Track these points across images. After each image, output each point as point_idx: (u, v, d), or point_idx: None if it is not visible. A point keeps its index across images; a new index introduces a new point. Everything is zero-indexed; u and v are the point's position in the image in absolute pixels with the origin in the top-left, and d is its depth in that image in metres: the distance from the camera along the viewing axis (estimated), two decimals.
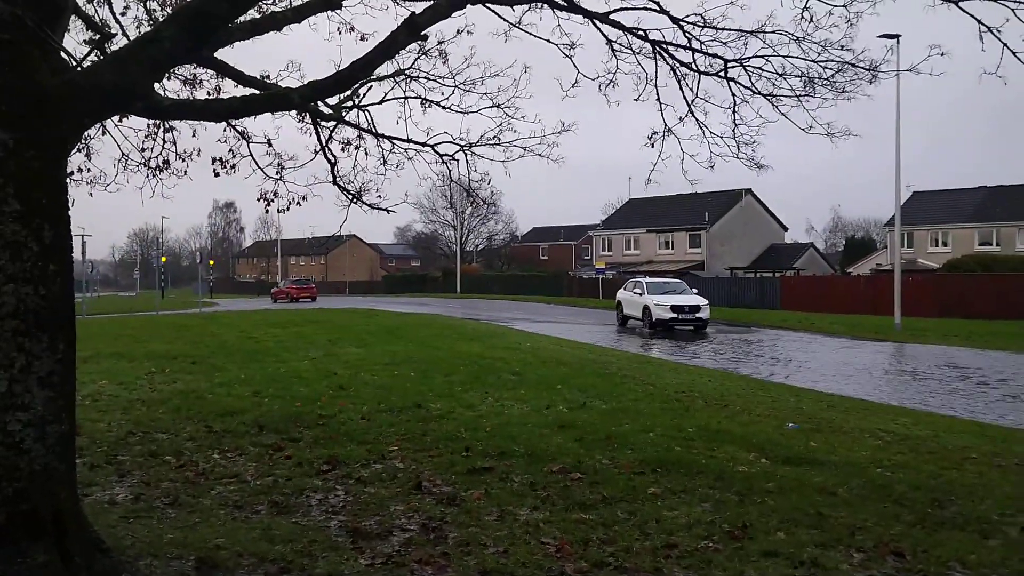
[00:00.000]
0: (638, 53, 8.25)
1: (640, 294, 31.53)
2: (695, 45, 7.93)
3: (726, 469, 7.27)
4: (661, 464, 7.35)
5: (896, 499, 6.44)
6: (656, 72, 8.28)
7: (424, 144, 9.71)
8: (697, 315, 29.50)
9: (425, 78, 9.79)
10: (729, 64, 7.99)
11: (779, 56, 7.82)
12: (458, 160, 9.98)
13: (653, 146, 8.60)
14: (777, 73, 7.92)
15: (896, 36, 23.04)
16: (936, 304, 38.27)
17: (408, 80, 9.79)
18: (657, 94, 8.38)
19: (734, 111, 8.29)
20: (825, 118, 8.12)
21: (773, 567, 4.91)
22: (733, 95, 8.20)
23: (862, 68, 7.69)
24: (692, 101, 8.29)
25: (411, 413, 9.82)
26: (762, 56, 7.88)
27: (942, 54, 6.86)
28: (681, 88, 8.23)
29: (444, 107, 9.76)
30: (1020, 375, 17.66)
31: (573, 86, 8.80)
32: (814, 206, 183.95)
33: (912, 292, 36.42)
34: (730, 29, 7.78)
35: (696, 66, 8.12)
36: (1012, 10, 5.52)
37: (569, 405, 10.62)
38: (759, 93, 8.10)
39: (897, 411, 12.20)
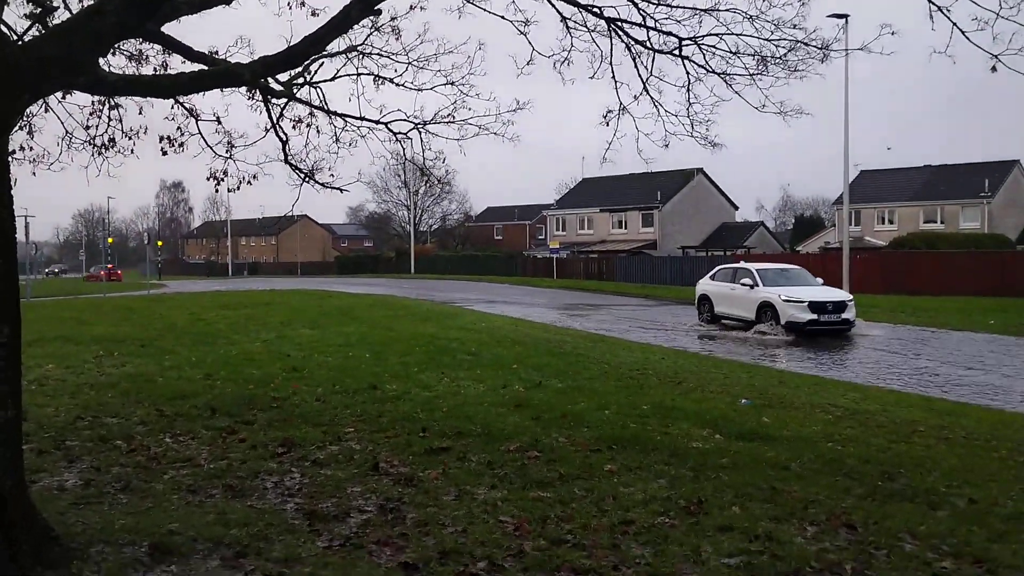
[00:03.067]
0: (593, 31, 8.24)
1: (751, 286, 23.00)
2: (649, 23, 7.94)
3: (681, 445, 7.35)
4: (617, 441, 7.40)
5: (847, 472, 6.57)
6: (611, 50, 8.28)
7: (377, 122, 9.60)
8: (843, 315, 21.41)
9: (378, 55, 9.66)
10: (683, 42, 8.01)
11: (733, 34, 7.86)
12: (412, 138, 9.90)
13: (608, 125, 8.61)
14: (731, 51, 7.97)
15: (845, 16, 23.22)
16: (882, 281, 39.04)
17: (361, 57, 9.65)
18: (612, 72, 8.39)
19: (688, 89, 8.33)
20: (778, 96, 8.19)
21: (728, 541, 4.97)
22: (687, 73, 8.23)
23: (814, 47, 7.77)
24: (647, 79, 8.31)
25: (366, 394, 9.75)
26: (716, 34, 7.92)
27: (893, 33, 6.95)
28: (636, 66, 8.24)
29: (398, 84, 9.65)
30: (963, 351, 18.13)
31: (528, 64, 8.76)
32: (764, 185, 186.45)
33: (859, 269, 37.09)
34: (684, 7, 7.80)
35: (651, 44, 8.12)
36: None
37: (525, 384, 10.64)
38: (713, 71, 8.13)
39: (846, 386, 12.44)
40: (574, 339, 17.66)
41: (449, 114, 9.55)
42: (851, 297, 22.37)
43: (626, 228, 71.78)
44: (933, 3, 5.89)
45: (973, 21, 5.79)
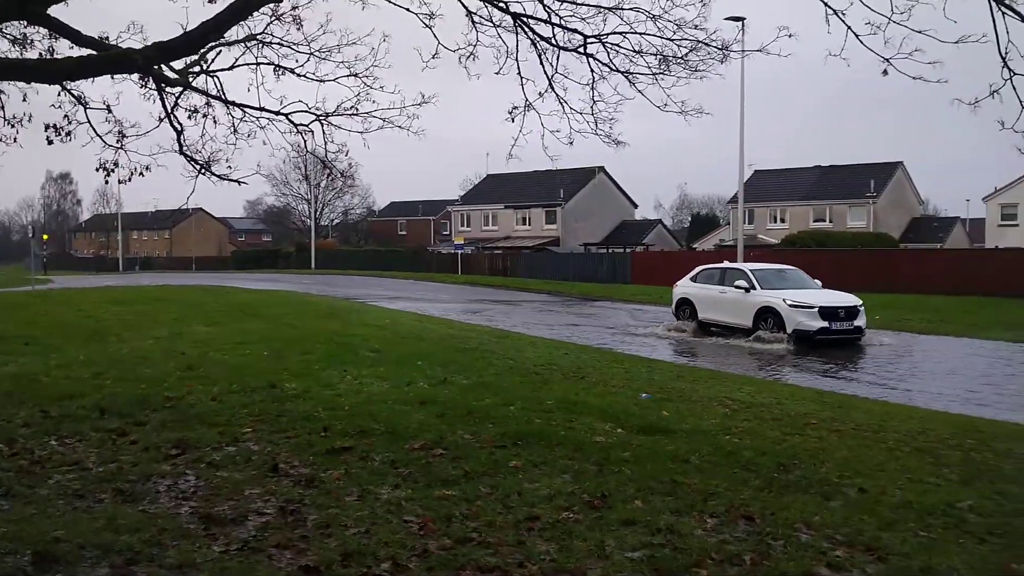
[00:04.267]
0: (499, 26, 8.23)
1: (746, 288, 20.60)
2: (555, 20, 7.97)
3: (584, 440, 7.40)
4: (522, 437, 7.40)
5: (744, 465, 6.73)
6: (517, 46, 8.29)
7: (277, 113, 9.37)
8: (855, 322, 19.36)
9: (279, 44, 9.43)
10: (588, 40, 8.07)
11: (636, 33, 7.97)
12: (314, 130, 9.70)
13: (513, 121, 8.62)
14: (634, 50, 8.08)
15: (742, 19, 23.97)
16: None
17: (261, 46, 9.41)
18: (518, 68, 8.40)
19: (593, 87, 8.41)
20: (679, 96, 8.34)
21: (632, 535, 5.02)
22: (592, 71, 8.31)
23: (714, 47, 7.94)
24: (552, 76, 8.35)
25: (265, 393, 9.49)
26: (620, 33, 8.01)
27: (790, 36, 7.16)
28: (541, 63, 8.26)
29: (299, 75, 9.44)
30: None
31: (433, 57, 8.68)
32: (662, 184, 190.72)
33: None
34: (589, 4, 7.86)
35: (556, 41, 8.16)
36: None
37: (430, 381, 10.55)
38: (617, 70, 8.23)
39: (742, 380, 12.80)
40: (479, 335, 17.64)
41: (352, 106, 9.40)
42: (861, 302, 19.90)
43: (530, 225, 72.29)
44: (829, 6, 6.08)
45: (867, 25, 6.01)
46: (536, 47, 8.25)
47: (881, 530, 5.18)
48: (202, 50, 8.26)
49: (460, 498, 5.67)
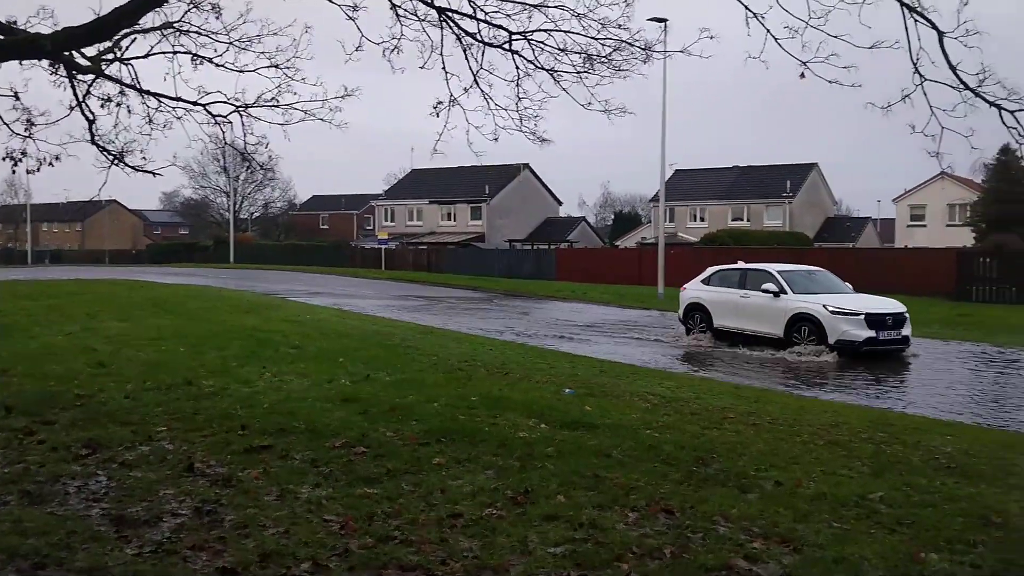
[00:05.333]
0: (423, 20, 8.16)
1: (775, 292, 18.04)
2: (480, 15, 7.94)
3: (508, 436, 7.41)
4: (446, 433, 7.37)
5: (664, 458, 6.82)
6: (442, 40, 8.24)
7: (195, 103, 9.12)
8: (902, 331, 17.08)
9: (196, 33, 9.17)
10: (513, 36, 8.07)
11: (561, 31, 8.00)
12: (233, 122, 9.47)
13: (438, 116, 8.57)
14: (559, 48, 8.11)
15: (664, 20, 24.30)
16: (694, 274, 40.79)
17: (177, 34, 9.13)
18: (443, 63, 8.35)
19: (518, 84, 8.41)
20: (603, 95, 8.41)
21: (554, 530, 5.04)
22: (517, 68, 8.31)
23: (638, 47, 8.02)
24: (477, 72, 8.33)
25: (181, 391, 9.25)
26: (545, 30, 8.03)
27: (711, 37, 7.28)
28: (467, 58, 8.24)
29: (218, 65, 9.19)
30: None
31: (357, 50, 8.55)
32: (586, 182, 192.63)
33: (673, 263, 38.87)
34: (515, 1, 7.84)
35: (481, 36, 8.14)
36: None
37: (352, 378, 10.42)
38: (542, 67, 8.25)
39: (662, 375, 13.01)
40: (403, 331, 17.52)
41: (273, 98, 9.21)
42: (905, 308, 17.55)
43: (455, 220, 72.12)
44: (749, 9, 6.21)
45: (785, 29, 6.15)
46: (461, 42, 8.22)
47: (796, 522, 5.31)
48: (116, 37, 8.00)
49: (382, 496, 5.61)
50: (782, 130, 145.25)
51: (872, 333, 16.61)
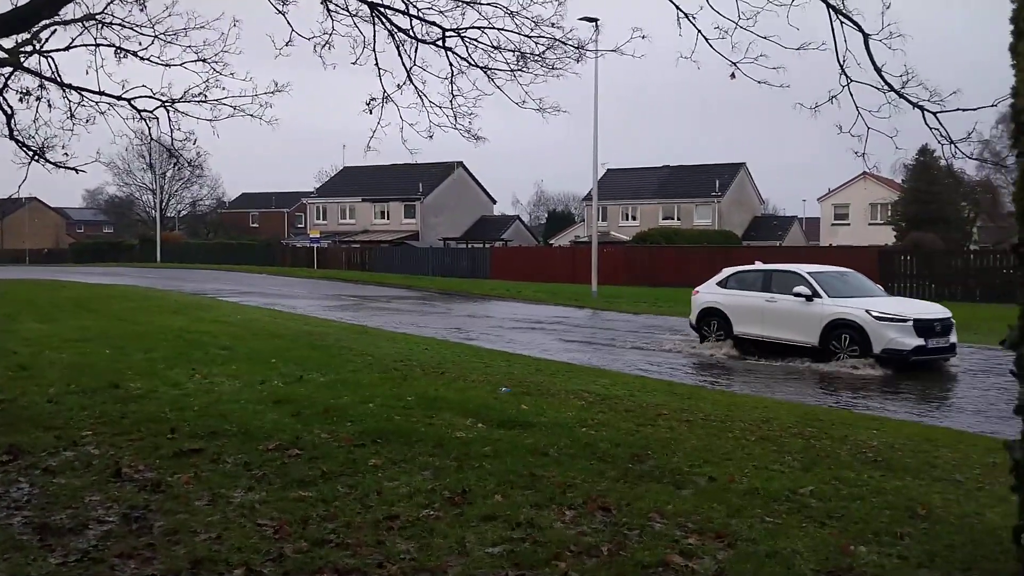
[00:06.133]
0: (355, 15, 8.08)
1: (808, 296, 16.15)
2: (413, 11, 7.88)
3: (444, 436, 7.37)
4: (381, 434, 7.30)
5: (601, 456, 6.86)
6: (374, 36, 8.16)
7: (119, 97, 8.88)
8: (950, 338, 15.41)
9: (120, 25, 8.92)
10: (447, 33, 8.03)
11: (495, 28, 8.00)
12: (159, 117, 9.23)
13: (371, 112, 8.48)
14: (493, 46, 8.10)
15: (595, 20, 24.46)
16: (626, 272, 41.64)
17: (100, 26, 8.85)
18: (375, 59, 8.27)
19: (452, 82, 8.38)
20: (537, 93, 8.42)
21: (492, 530, 5.02)
22: (451, 65, 8.28)
23: (571, 46, 8.05)
24: (411, 69, 8.27)
25: (107, 394, 8.98)
26: (478, 27, 8.02)
27: (643, 37, 7.34)
28: (400, 55, 8.17)
29: (143, 58, 8.94)
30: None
31: (287, 45, 8.43)
32: (520, 180, 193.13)
33: (606, 262, 39.26)
34: None
35: (414, 33, 8.09)
36: None
37: (285, 379, 10.26)
38: (475, 65, 8.23)
39: (596, 372, 13.09)
40: (336, 331, 17.32)
41: (201, 93, 9.02)
42: (951, 312, 15.86)
43: (388, 219, 71.60)
44: (680, 9, 6.28)
45: (716, 30, 6.24)
46: (394, 38, 8.15)
47: (730, 517, 5.39)
48: (35, 28, 7.72)
49: (317, 499, 5.53)
50: (712, 130, 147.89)
51: (921, 341, 14.90)
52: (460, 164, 71.16)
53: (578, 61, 8.38)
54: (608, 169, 68.53)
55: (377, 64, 8.31)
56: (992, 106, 5.29)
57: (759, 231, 67.17)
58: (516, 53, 8.23)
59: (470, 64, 8.28)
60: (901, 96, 5.62)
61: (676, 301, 30.03)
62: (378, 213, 72.45)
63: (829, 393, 12.94)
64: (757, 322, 17.21)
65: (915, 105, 5.63)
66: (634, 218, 67.53)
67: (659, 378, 13.33)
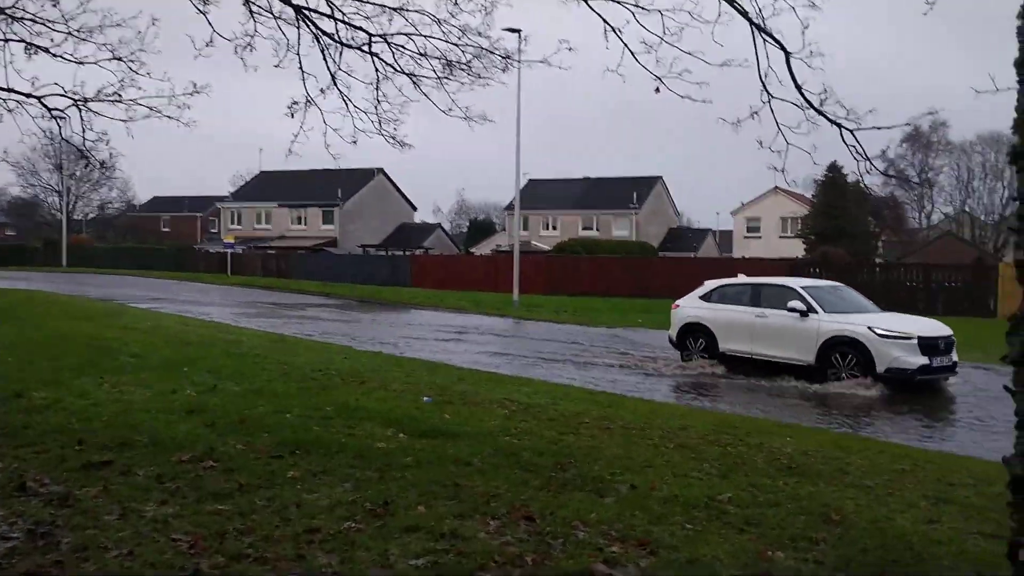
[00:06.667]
0: (279, 17, 7.93)
1: (802, 312, 15.40)
2: (339, 15, 7.78)
3: (365, 446, 7.25)
4: (300, 445, 7.14)
5: (524, 465, 6.85)
6: (299, 39, 8.02)
7: (28, 95, 8.53)
8: (952, 356, 14.99)
9: (31, 20, 8.55)
10: (373, 39, 7.96)
11: (421, 35, 7.96)
12: (70, 116, 8.89)
13: (293, 116, 8.33)
14: (419, 53, 8.07)
15: (518, 31, 24.52)
16: (547, 282, 41.97)
17: (10, 21, 8.48)
18: (299, 63, 8.13)
19: (377, 87, 8.29)
20: (464, 102, 8.42)
21: (415, 542, 4.95)
22: (377, 71, 8.20)
23: (497, 55, 8.07)
24: (335, 73, 8.17)
25: (10, 404, 8.58)
26: (405, 34, 7.98)
27: (569, 49, 7.41)
28: (325, 58, 8.05)
29: (55, 55, 8.61)
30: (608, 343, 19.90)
31: (208, 45, 8.21)
32: (441, 188, 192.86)
33: (527, 271, 39.47)
34: (373, 3, 7.75)
35: (339, 37, 7.99)
36: (632, 13, 6.10)
37: (198, 388, 9.97)
38: (402, 71, 8.18)
39: (519, 381, 13.11)
40: (251, 339, 16.94)
41: (115, 92, 8.72)
42: (951, 330, 15.30)
43: (306, 224, 70.56)
44: (607, 23, 6.36)
45: (642, 44, 6.33)
46: (319, 42, 8.03)
47: (652, 524, 5.44)
48: None
49: (234, 512, 5.37)
50: (635, 143, 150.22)
51: (926, 360, 14.22)
52: (380, 171, 70.67)
53: (504, 71, 8.42)
54: (530, 179, 69.05)
55: (301, 67, 8.19)
56: (907, 125, 5.50)
57: (675, 243, 68.52)
58: (443, 61, 8.22)
59: (396, 70, 8.22)
60: (820, 113, 5.81)
61: (598, 311, 30.44)
62: (295, 219, 71.35)
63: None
64: (746, 339, 16.35)
65: (833, 122, 5.82)
66: (555, 228, 68.11)
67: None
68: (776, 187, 59.38)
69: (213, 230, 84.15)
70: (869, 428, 11.57)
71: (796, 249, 52.29)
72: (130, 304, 27.20)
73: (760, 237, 66.73)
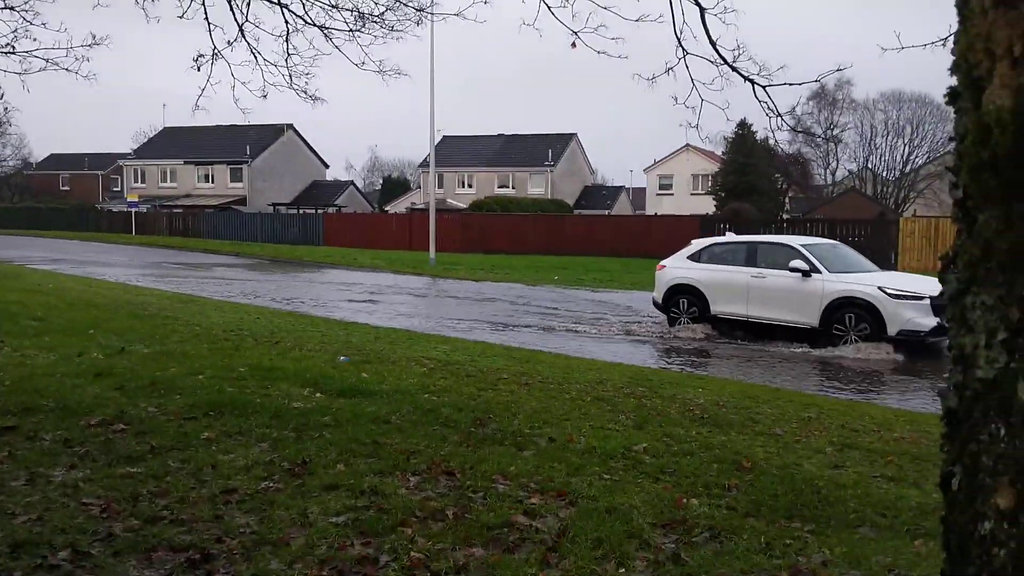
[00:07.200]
0: None
1: (805, 272, 14.39)
2: None
3: (282, 406, 7.17)
4: (214, 407, 7.01)
5: (443, 421, 6.88)
6: None
7: None
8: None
9: None
10: None
11: None
12: None
13: (200, 70, 8.05)
14: (331, 4, 7.85)
15: None
16: (463, 240, 41.90)
17: None
18: (205, 13, 7.83)
19: (287, 40, 8.06)
20: (377, 56, 8.26)
21: (335, 500, 4.94)
22: (286, 22, 7.96)
23: (411, 8, 7.92)
24: (243, 24, 7.89)
25: None
26: None
27: (485, 2, 7.32)
28: (232, 9, 7.77)
29: None
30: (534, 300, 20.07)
31: None
32: (353, 146, 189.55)
33: (443, 229, 39.29)
34: None
35: None
36: None
37: (105, 351, 9.66)
38: (312, 23, 7.96)
39: (437, 339, 13.12)
40: (160, 300, 16.49)
41: (8, 44, 8.25)
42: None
43: (213, 182, 68.52)
44: None
45: None
46: None
47: (570, 476, 5.55)
48: None
49: (147, 475, 5.26)
50: (551, 100, 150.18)
51: (937, 321, 13.20)
52: (290, 127, 68.91)
53: (419, 24, 8.29)
54: (445, 136, 68.33)
55: (207, 18, 7.88)
56: (816, 81, 5.64)
57: (589, 200, 69.05)
58: (355, 12, 8.03)
59: (307, 22, 8.01)
60: (734, 69, 5.90)
61: (514, 269, 30.57)
62: (202, 176, 69.22)
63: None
64: (741, 301, 15.29)
65: (746, 78, 5.92)
66: (470, 186, 67.79)
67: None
68: (688, 144, 60.20)
69: (116, 188, 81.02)
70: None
71: (707, 206, 53.30)
72: (29, 266, 26.09)
73: (672, 194, 67.78)
